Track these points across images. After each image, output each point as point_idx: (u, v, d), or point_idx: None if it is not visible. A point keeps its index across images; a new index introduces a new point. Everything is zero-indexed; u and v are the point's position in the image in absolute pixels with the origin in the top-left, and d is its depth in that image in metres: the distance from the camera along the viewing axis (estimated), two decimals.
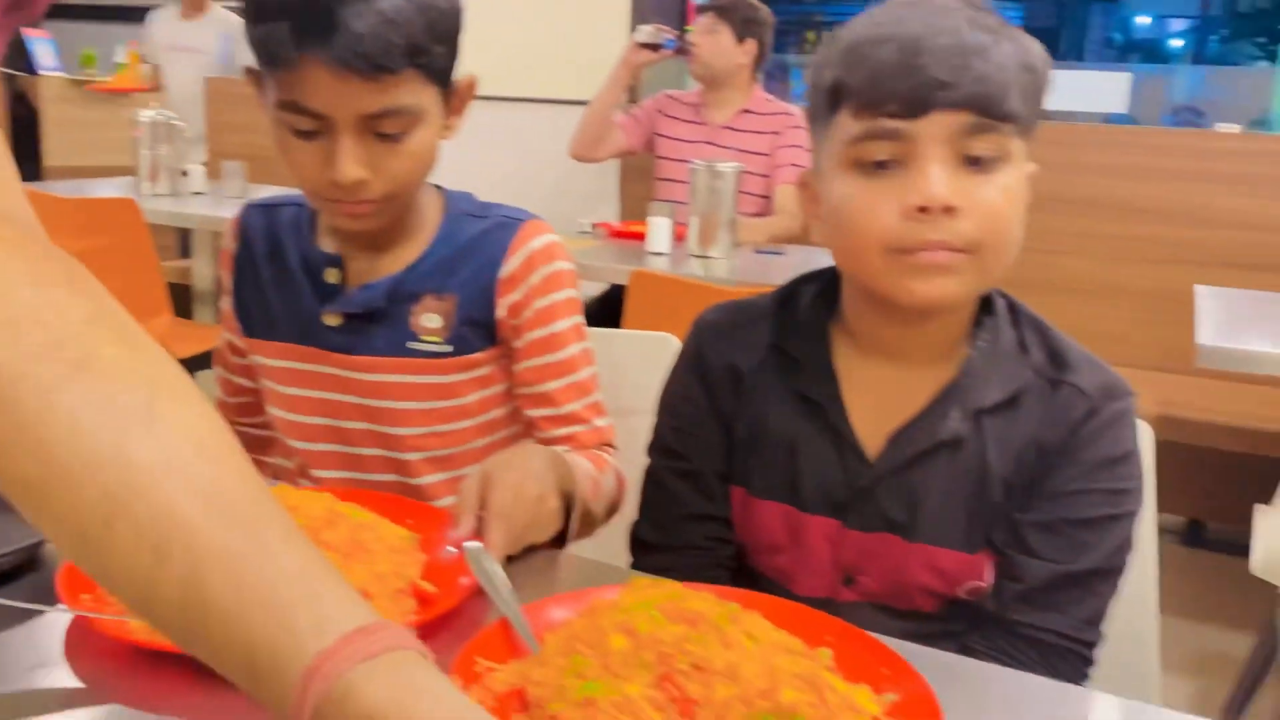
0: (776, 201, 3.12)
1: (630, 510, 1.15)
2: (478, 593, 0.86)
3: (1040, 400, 0.96)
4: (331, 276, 1.20)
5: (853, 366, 1.01)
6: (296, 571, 0.53)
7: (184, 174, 3.43)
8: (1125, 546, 0.96)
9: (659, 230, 2.69)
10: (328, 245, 1.22)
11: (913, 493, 0.97)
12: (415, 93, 1.07)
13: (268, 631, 0.51)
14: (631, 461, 1.25)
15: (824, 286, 1.05)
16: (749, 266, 2.66)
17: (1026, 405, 0.96)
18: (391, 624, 0.53)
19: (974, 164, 0.89)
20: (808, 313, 1.03)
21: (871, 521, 0.99)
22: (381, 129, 1.07)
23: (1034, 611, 0.94)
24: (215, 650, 0.52)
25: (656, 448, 1.10)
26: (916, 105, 0.87)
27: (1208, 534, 3.32)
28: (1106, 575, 0.95)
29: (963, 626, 0.98)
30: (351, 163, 1.06)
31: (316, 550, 0.55)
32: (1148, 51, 9.72)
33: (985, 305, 1.00)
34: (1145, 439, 1.07)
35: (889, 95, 0.88)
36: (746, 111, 3.20)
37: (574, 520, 1.07)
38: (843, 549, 1.00)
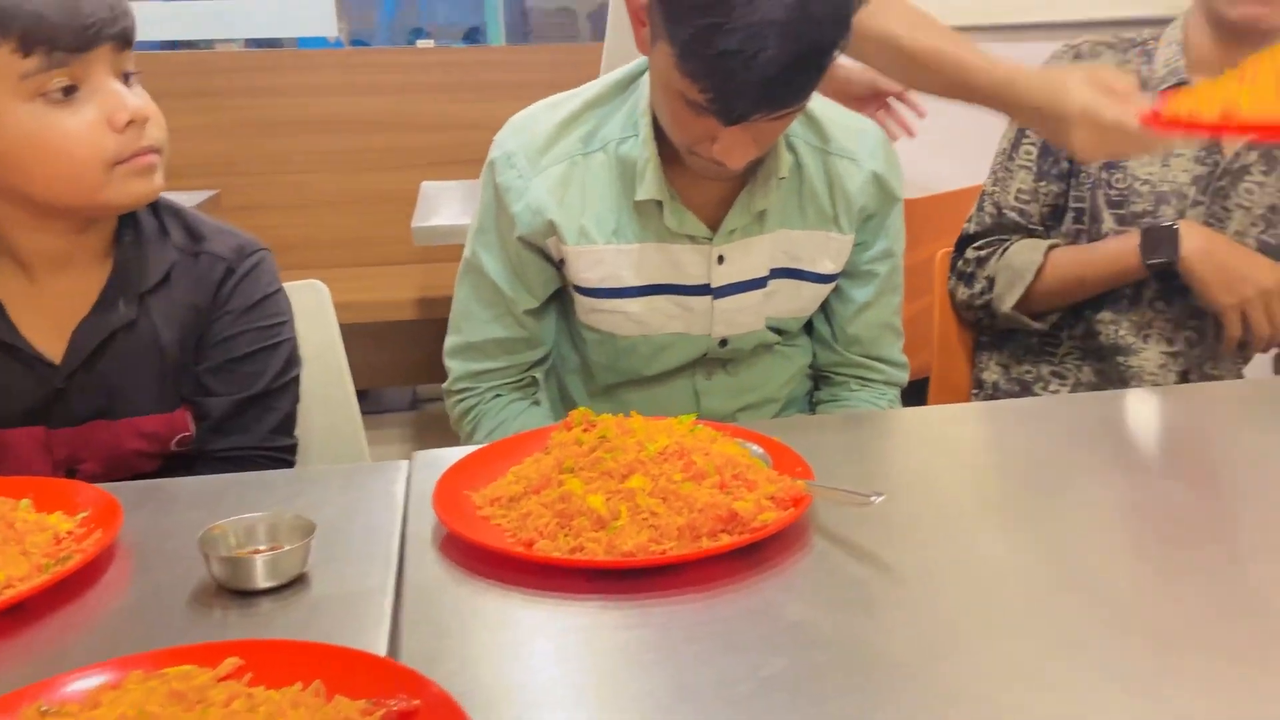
0: None
1: None
2: None
3: (187, 271, 1.16)
4: None
5: (20, 286, 1.13)
6: None
7: None
8: (289, 366, 1.21)
9: None
10: None
11: (105, 378, 1.13)
12: None
13: None
14: None
15: None
16: None
17: (177, 278, 1.16)
18: None
19: (126, 79, 1.08)
20: None
21: (76, 415, 1.13)
22: None
23: (224, 438, 1.17)
24: None
25: None
26: (85, 41, 1.02)
27: None
28: (279, 392, 1.20)
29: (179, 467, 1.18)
30: None
31: None
32: None
33: None
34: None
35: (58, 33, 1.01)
36: None
37: None
38: (56, 447, 1.14)
